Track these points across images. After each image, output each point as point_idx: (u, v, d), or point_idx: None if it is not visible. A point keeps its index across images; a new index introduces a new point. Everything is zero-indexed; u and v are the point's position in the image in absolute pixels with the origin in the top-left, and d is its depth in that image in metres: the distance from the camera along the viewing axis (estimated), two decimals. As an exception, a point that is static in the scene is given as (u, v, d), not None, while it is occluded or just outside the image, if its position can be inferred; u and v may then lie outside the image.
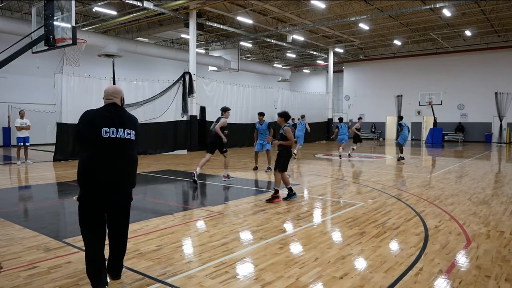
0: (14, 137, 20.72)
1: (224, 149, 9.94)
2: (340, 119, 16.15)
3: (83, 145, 3.39)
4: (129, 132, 3.42)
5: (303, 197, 7.93)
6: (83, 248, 4.49)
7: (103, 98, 3.57)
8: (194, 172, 9.47)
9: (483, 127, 27.69)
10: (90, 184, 3.29)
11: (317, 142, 27.77)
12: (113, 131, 3.34)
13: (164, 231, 5.24)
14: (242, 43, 27.98)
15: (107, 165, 3.30)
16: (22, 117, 13.24)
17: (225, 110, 10.02)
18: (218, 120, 9.93)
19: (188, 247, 4.76)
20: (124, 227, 3.57)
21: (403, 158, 15.07)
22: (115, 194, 3.37)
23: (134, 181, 3.54)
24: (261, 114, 12.03)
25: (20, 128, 13.01)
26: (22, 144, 13.10)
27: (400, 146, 15.28)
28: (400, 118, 16.86)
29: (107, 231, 3.49)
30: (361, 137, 16.41)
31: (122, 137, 3.37)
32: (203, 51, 28.64)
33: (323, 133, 29.21)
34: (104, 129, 3.30)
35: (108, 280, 3.50)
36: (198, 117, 19.59)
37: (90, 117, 3.41)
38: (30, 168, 12.29)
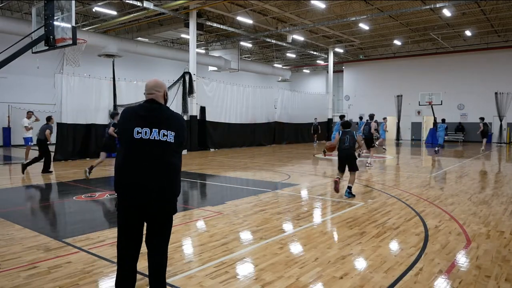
0: (15, 137, 20.87)
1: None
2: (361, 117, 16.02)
3: (120, 146, 3.05)
4: (165, 134, 2.94)
5: (303, 197, 7.93)
6: (84, 248, 4.51)
7: (144, 93, 3.15)
8: (87, 169, 9.74)
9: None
10: (120, 188, 2.99)
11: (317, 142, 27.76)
12: (145, 132, 2.92)
13: (164, 231, 5.24)
14: (242, 43, 27.98)
15: (138, 169, 2.91)
16: (29, 117, 13.34)
17: (113, 115, 9.47)
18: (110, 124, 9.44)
19: (188, 247, 4.75)
20: (158, 243, 3.07)
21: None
22: (148, 202, 2.93)
23: (174, 189, 3.01)
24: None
25: (29, 128, 13.12)
26: (31, 144, 13.32)
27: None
28: (441, 120, 19.37)
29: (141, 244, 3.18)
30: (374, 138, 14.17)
31: (156, 138, 2.92)
32: (203, 51, 28.64)
33: (323, 133, 29.20)
34: (136, 129, 2.91)
35: (106, 279, 3.49)
36: (198, 117, 19.60)
37: (127, 115, 3.04)
38: (30, 168, 12.28)
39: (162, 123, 2.95)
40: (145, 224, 3.09)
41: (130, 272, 3.10)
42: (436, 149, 18.19)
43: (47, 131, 10.85)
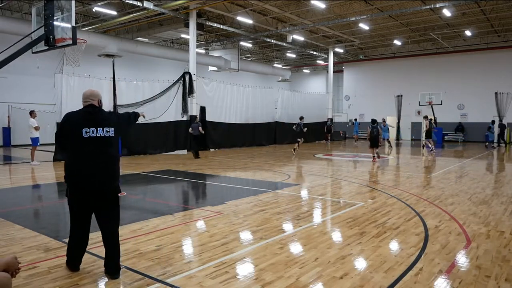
0: (15, 137, 20.87)
1: None
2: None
3: (66, 145, 3.75)
4: (108, 130, 3.74)
5: (303, 197, 7.93)
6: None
7: (82, 101, 3.86)
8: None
9: (483, 127, 27.66)
10: (75, 179, 3.70)
11: (317, 142, 27.77)
12: (93, 131, 3.66)
13: (164, 231, 5.24)
14: (242, 43, 27.98)
15: (89, 162, 3.66)
16: (35, 116, 13.36)
17: None
18: None
19: (188, 247, 4.75)
20: (112, 220, 3.81)
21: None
22: (98, 188, 3.68)
23: (117, 175, 3.83)
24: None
25: (38, 128, 13.13)
26: (39, 144, 13.37)
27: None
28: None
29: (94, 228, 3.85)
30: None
31: (102, 135, 3.70)
32: (203, 51, 28.63)
33: (323, 133, 29.21)
34: (84, 129, 3.64)
35: (106, 279, 3.53)
36: (198, 117, 19.58)
37: (72, 119, 3.74)
38: (30, 168, 12.29)
39: (103, 122, 3.74)
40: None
41: (84, 247, 3.87)
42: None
43: None
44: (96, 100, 3.85)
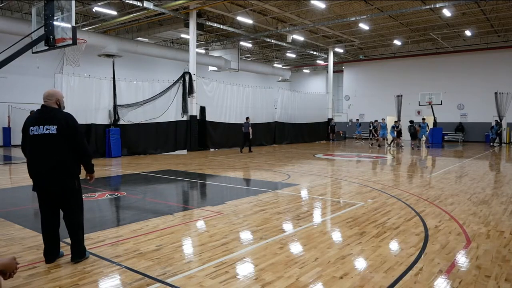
0: (15, 137, 20.85)
1: None
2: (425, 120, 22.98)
3: (25, 143, 4.04)
4: (48, 128, 3.90)
5: (303, 197, 7.93)
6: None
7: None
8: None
9: (483, 127, 27.68)
10: (30, 175, 3.97)
11: (317, 142, 27.78)
12: (36, 129, 3.90)
13: (164, 231, 5.24)
14: (242, 43, 27.98)
15: (36, 159, 3.92)
16: None
17: None
18: None
19: (188, 247, 4.76)
20: (67, 215, 4.12)
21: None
22: (49, 182, 3.92)
23: (65, 170, 3.96)
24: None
25: None
26: None
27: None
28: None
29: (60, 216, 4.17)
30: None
31: (42, 133, 3.89)
32: (203, 51, 28.64)
33: (323, 133, 29.22)
34: (30, 128, 3.92)
35: (107, 279, 3.50)
36: (198, 117, 19.60)
37: (28, 118, 4.07)
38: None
39: (47, 120, 3.91)
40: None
41: (53, 236, 4.11)
42: (427, 145, 23.00)
43: None
44: (53, 100, 4.04)
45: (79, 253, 4.07)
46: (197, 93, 19.26)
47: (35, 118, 3.97)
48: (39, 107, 4.08)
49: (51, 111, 3.99)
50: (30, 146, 3.92)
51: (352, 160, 15.84)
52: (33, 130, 3.89)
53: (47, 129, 3.88)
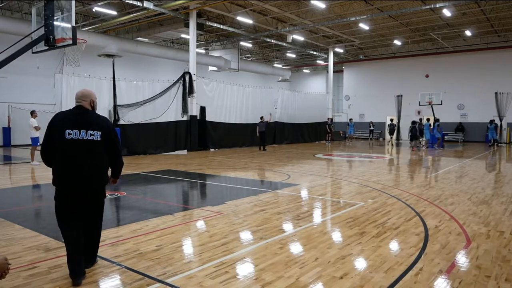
0: (15, 137, 20.86)
1: None
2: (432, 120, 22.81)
3: (53, 146, 3.62)
4: (92, 133, 3.63)
5: (303, 197, 7.93)
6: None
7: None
8: None
9: (483, 127, 27.66)
10: (61, 180, 3.60)
11: (317, 142, 27.78)
12: (75, 133, 3.59)
13: (164, 231, 5.24)
14: (242, 43, 27.99)
15: (74, 164, 3.58)
16: (35, 117, 13.36)
17: None
18: None
19: (188, 247, 4.76)
20: (94, 223, 3.87)
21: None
22: (86, 190, 3.65)
23: (101, 179, 3.74)
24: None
25: (38, 128, 13.13)
26: (39, 144, 13.37)
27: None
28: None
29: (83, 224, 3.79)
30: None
31: (85, 138, 3.61)
32: (203, 51, 28.63)
33: (323, 133, 29.20)
34: (67, 131, 3.58)
35: (107, 279, 3.50)
36: (198, 117, 19.60)
37: (58, 119, 3.68)
38: (30, 168, 12.30)
39: (88, 125, 3.63)
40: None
41: (79, 251, 3.67)
42: (424, 146, 22.79)
43: None
44: (88, 101, 3.75)
45: (92, 261, 3.94)
46: (197, 93, 19.26)
47: (72, 121, 3.62)
48: (72, 108, 3.77)
49: (90, 115, 3.72)
50: (65, 150, 3.57)
51: (352, 160, 15.83)
52: (71, 134, 3.57)
53: (91, 134, 3.61)
